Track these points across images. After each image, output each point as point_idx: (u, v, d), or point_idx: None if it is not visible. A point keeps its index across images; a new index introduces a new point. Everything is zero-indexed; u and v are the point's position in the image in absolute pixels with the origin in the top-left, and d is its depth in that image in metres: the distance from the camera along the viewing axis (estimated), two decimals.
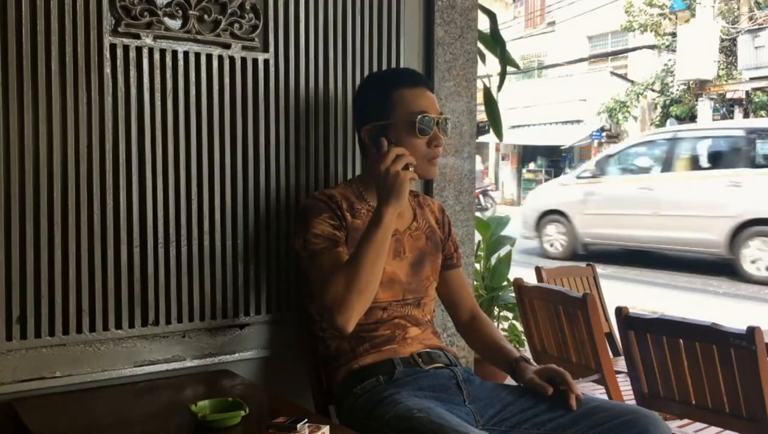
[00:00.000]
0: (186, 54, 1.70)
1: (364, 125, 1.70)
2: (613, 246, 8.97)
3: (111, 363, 1.65)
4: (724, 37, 17.16)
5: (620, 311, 2.03)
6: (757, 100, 16.72)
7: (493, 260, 3.80)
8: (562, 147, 20.51)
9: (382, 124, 1.64)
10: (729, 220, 7.53)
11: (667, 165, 8.54)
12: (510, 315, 3.71)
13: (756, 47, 16.21)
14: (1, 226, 1.51)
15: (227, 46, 1.76)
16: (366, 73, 1.97)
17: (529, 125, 21.04)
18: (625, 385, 2.28)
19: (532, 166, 22.45)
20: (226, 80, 1.76)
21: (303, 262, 1.63)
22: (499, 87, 2.92)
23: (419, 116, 1.61)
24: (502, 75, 2.91)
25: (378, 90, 1.68)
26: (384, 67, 2.01)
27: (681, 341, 1.89)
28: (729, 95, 17.35)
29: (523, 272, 3.22)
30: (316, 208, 1.62)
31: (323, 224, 1.60)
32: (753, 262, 7.51)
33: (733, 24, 17.39)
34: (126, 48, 1.63)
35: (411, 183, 1.56)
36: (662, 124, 19.27)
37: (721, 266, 7.92)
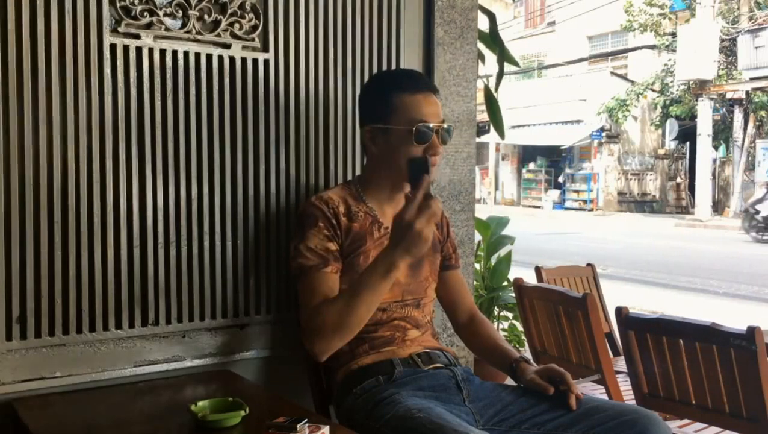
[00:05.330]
0: (186, 54, 1.70)
1: (365, 124, 1.70)
2: None
3: (111, 363, 1.65)
4: (724, 37, 17.17)
5: (620, 311, 2.03)
6: (757, 100, 16.74)
7: (493, 260, 3.80)
8: (562, 147, 20.52)
9: (381, 127, 1.64)
10: None
11: None
12: (510, 315, 3.71)
13: (756, 47, 16.23)
14: (1, 226, 1.51)
15: (227, 46, 1.76)
16: (366, 72, 1.97)
17: (529, 125, 21.06)
18: (625, 385, 2.28)
19: (532, 166, 22.47)
20: (226, 80, 1.76)
21: (292, 271, 1.64)
22: (496, 88, 2.94)
23: (417, 125, 1.59)
24: (499, 76, 2.94)
25: (380, 93, 1.67)
26: (384, 66, 2.01)
27: (681, 341, 1.89)
28: (729, 95, 17.38)
29: (523, 272, 3.22)
30: (311, 217, 1.62)
31: (316, 237, 1.60)
32: None
33: (733, 24, 17.40)
34: (126, 48, 1.63)
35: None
36: (662, 124, 19.30)
37: None
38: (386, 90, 1.65)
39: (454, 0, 2.18)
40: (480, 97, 2.64)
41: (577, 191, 20.82)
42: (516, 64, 3.43)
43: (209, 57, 1.74)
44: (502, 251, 3.81)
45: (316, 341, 1.53)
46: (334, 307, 1.51)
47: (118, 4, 1.62)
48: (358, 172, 1.96)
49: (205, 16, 1.73)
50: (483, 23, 2.49)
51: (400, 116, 1.61)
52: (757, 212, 12.46)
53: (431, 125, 1.61)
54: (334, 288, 1.58)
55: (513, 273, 3.33)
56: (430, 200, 1.39)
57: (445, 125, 1.65)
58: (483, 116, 2.99)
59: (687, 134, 18.93)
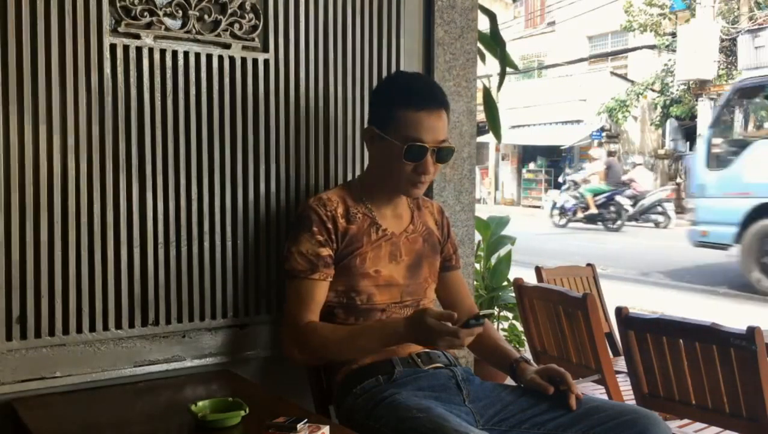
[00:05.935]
0: (186, 54, 1.70)
1: (369, 123, 1.70)
2: None
3: (111, 363, 1.65)
4: (724, 37, 17.15)
5: (620, 311, 2.03)
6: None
7: (493, 260, 3.79)
8: (562, 147, 20.51)
9: (379, 133, 1.63)
10: None
11: None
12: (510, 315, 3.71)
13: (756, 47, 16.20)
14: (1, 226, 1.51)
15: (227, 46, 1.76)
16: (366, 73, 1.97)
17: (529, 125, 21.03)
18: (625, 385, 2.28)
19: (532, 166, 22.44)
20: (226, 80, 1.76)
21: (282, 271, 1.67)
22: (499, 87, 2.94)
23: (410, 143, 1.58)
24: (502, 75, 2.93)
25: (386, 99, 1.65)
26: (384, 67, 2.01)
27: (681, 341, 1.89)
28: None
29: (523, 272, 3.22)
30: (306, 220, 1.63)
31: (309, 241, 1.61)
32: None
33: (733, 24, 17.38)
34: (126, 48, 1.63)
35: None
36: (662, 124, 19.28)
37: None
38: (393, 101, 1.62)
39: (454, 0, 2.18)
40: (479, 97, 2.64)
41: None
42: (515, 66, 3.42)
43: (209, 57, 1.74)
44: (502, 251, 3.81)
45: (294, 350, 1.62)
46: (325, 337, 1.58)
47: (118, 4, 1.62)
48: (358, 172, 1.96)
49: (205, 16, 1.73)
50: (483, 23, 2.49)
51: (398, 129, 1.60)
52: (555, 203, 15.30)
53: (427, 145, 1.59)
54: (320, 296, 1.61)
55: (513, 273, 3.32)
56: (464, 336, 1.43)
57: (444, 145, 1.62)
58: (483, 116, 2.99)
59: (687, 134, 18.91)
